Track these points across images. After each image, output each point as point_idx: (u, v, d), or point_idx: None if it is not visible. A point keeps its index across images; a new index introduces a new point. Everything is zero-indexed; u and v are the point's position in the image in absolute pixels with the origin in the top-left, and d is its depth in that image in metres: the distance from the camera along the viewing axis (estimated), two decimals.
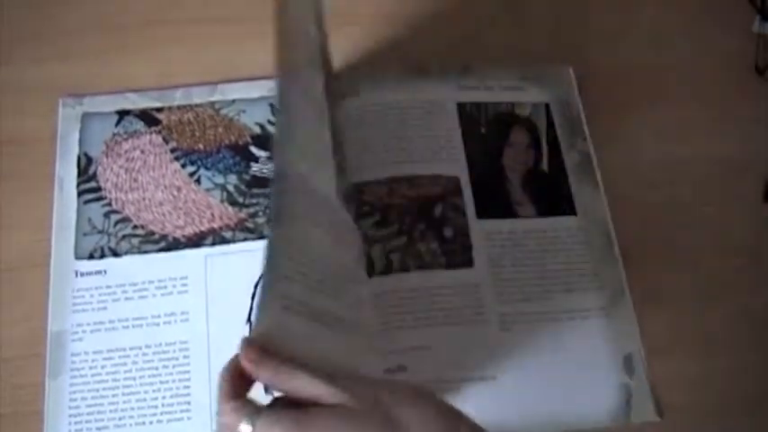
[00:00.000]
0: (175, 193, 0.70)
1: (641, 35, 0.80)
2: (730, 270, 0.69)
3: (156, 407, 0.62)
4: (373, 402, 0.42)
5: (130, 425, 0.62)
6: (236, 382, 0.43)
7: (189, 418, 0.62)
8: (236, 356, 0.43)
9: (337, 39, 0.76)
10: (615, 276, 0.68)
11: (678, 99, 0.76)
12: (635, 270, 0.68)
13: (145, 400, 0.63)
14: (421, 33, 0.79)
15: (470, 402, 0.61)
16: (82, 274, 0.67)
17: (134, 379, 0.63)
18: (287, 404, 0.43)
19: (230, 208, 0.69)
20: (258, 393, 0.44)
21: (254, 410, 0.42)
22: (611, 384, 0.64)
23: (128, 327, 0.65)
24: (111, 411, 0.63)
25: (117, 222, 0.69)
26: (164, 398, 0.63)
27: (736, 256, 0.70)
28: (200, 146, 0.72)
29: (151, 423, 0.62)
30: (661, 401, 0.63)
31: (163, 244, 0.68)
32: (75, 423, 0.62)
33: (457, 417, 0.44)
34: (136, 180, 0.70)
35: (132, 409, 0.63)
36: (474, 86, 0.75)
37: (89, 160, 0.71)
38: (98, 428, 0.62)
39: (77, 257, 0.67)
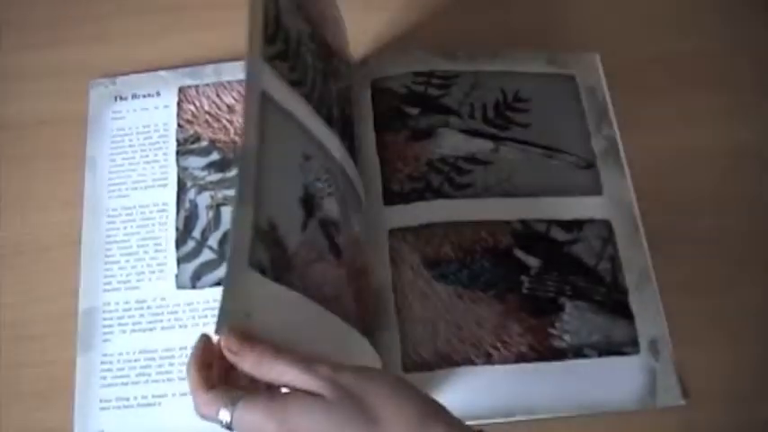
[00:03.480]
0: None
1: (669, 21, 0.80)
2: (756, 256, 0.69)
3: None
4: (349, 391, 0.42)
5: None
6: (207, 370, 0.45)
7: None
8: (202, 344, 0.45)
9: (365, 24, 0.78)
10: (641, 261, 0.68)
11: (706, 86, 0.76)
12: (661, 255, 0.68)
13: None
14: (449, 18, 0.79)
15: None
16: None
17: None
18: (263, 389, 0.44)
19: None
20: None
21: (230, 399, 0.43)
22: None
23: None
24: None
25: None
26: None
27: (763, 242, 0.70)
28: None
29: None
30: (686, 385, 0.64)
31: None
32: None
33: (434, 409, 0.44)
34: None
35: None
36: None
37: None
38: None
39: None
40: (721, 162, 0.73)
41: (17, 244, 0.69)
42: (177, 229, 0.69)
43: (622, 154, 0.73)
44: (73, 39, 0.77)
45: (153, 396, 0.63)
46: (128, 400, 0.63)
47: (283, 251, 0.49)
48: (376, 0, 0.79)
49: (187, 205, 0.70)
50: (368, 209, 0.69)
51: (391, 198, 0.69)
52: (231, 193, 0.69)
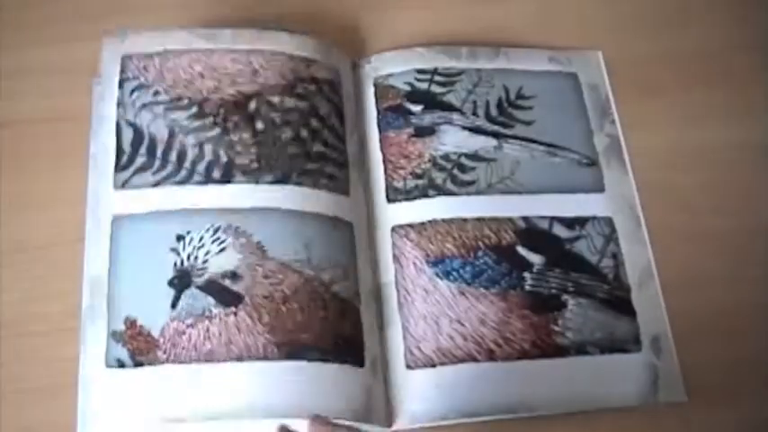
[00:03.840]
0: None
1: (672, 19, 0.80)
2: (760, 253, 0.69)
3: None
4: None
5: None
6: None
7: None
8: None
9: (367, 21, 0.78)
10: (643, 258, 0.68)
11: (708, 84, 0.76)
12: (663, 253, 0.69)
13: None
14: (450, 16, 0.79)
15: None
16: None
17: None
18: None
19: None
20: None
21: None
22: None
23: None
24: None
25: None
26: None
27: (764, 240, 0.70)
28: None
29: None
30: (689, 382, 0.64)
31: None
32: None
33: None
34: None
35: None
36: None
37: None
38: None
39: None
40: (723, 160, 0.73)
41: (19, 242, 0.68)
42: None
43: (624, 151, 0.73)
44: (74, 37, 0.77)
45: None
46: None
47: (146, 336, 0.61)
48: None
49: None
50: (370, 206, 0.69)
51: (394, 195, 0.69)
52: None
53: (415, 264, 0.66)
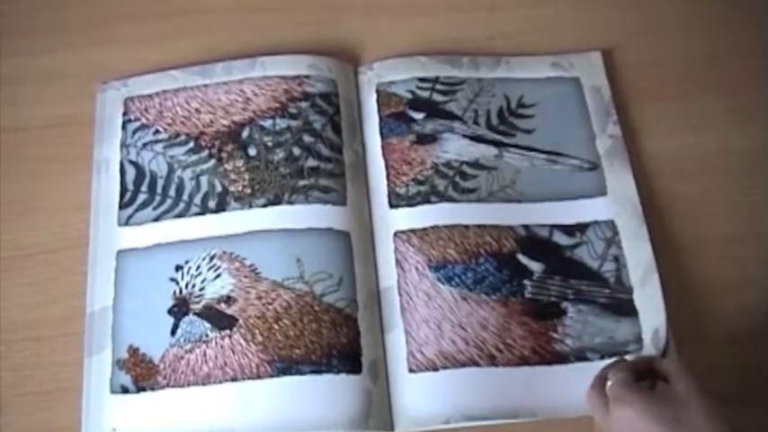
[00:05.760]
0: None
1: (672, 25, 0.81)
2: (759, 259, 0.70)
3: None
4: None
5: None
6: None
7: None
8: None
9: (370, 29, 0.79)
10: (646, 256, 0.68)
11: (710, 89, 0.77)
12: (665, 256, 0.69)
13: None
14: (453, 24, 0.80)
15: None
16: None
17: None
18: None
19: None
20: None
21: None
22: None
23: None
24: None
25: None
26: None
27: (764, 243, 0.70)
28: None
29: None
30: None
31: None
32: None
33: None
34: None
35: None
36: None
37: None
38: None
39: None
40: (725, 165, 0.74)
41: (27, 246, 0.69)
42: None
43: (626, 152, 0.73)
44: (81, 44, 0.78)
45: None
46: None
47: (148, 362, 0.63)
48: (381, 6, 0.81)
49: None
50: (372, 212, 0.70)
51: (396, 201, 0.70)
52: None
53: (417, 268, 0.67)
